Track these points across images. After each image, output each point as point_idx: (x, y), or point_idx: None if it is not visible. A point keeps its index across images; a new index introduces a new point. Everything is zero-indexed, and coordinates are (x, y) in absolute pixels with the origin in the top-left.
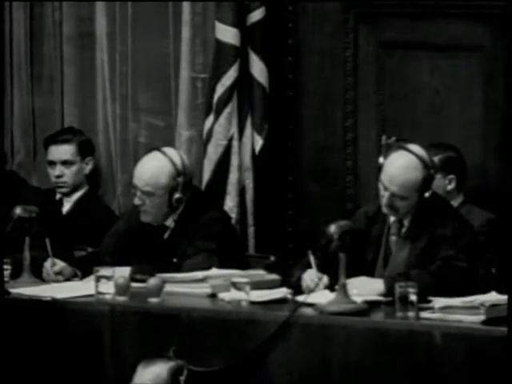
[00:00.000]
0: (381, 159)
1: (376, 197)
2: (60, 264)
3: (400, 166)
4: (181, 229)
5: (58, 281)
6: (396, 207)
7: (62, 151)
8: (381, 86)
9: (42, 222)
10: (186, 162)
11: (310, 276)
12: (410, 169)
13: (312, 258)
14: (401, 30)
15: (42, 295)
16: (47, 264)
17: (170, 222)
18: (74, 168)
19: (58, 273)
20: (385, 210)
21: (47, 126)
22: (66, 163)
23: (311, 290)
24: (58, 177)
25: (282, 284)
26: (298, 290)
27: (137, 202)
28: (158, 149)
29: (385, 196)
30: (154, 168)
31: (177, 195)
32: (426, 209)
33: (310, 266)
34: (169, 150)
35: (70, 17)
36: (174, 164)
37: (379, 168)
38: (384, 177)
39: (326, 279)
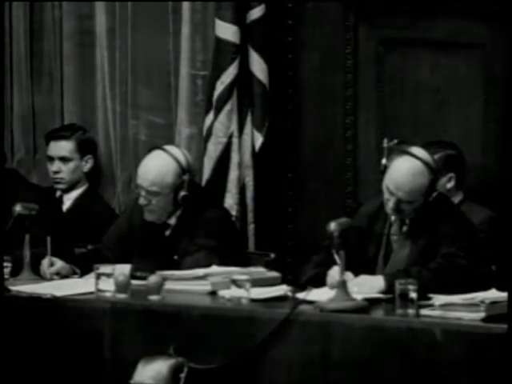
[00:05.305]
0: (383, 161)
1: (376, 194)
2: (58, 264)
3: (406, 174)
4: (182, 226)
5: (54, 279)
6: (402, 210)
7: (60, 147)
8: (381, 83)
9: (42, 219)
10: (189, 159)
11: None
12: (416, 175)
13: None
14: (401, 27)
15: (42, 293)
16: (44, 262)
17: (171, 220)
18: (72, 165)
19: (56, 273)
20: (391, 213)
21: (47, 123)
22: (63, 159)
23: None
24: (56, 172)
25: (282, 281)
26: (304, 288)
27: (142, 201)
28: (160, 147)
29: (391, 201)
30: (159, 167)
31: (182, 193)
32: (427, 207)
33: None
34: (172, 149)
35: (69, 14)
36: (178, 162)
37: (382, 171)
38: (390, 183)
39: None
